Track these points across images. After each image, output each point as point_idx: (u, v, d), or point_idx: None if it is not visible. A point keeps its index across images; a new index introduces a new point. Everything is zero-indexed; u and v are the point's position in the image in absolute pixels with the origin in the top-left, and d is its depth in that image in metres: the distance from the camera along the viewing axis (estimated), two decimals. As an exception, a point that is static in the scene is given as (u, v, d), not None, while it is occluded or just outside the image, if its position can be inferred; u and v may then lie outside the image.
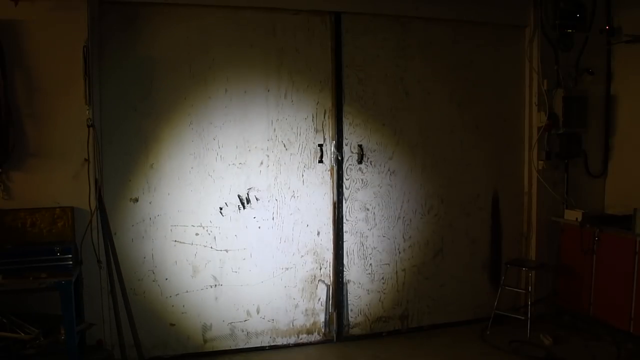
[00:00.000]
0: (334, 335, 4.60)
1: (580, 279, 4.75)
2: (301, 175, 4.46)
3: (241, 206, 4.33)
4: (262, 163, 4.36)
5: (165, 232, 4.17)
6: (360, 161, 4.58)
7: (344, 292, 4.61)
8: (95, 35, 3.86)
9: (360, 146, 4.56)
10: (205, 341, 4.31)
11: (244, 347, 4.40)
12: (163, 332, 4.19)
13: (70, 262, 3.49)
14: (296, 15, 4.37)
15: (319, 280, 4.56)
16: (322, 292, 4.56)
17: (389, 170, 4.68)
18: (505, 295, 4.81)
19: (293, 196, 4.45)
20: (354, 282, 4.64)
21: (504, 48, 5.01)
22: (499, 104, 5.03)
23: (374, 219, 4.66)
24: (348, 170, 4.56)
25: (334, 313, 4.58)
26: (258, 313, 4.42)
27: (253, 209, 4.36)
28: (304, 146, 4.45)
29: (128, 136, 4.07)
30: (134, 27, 4.04)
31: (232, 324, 4.37)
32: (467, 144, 4.91)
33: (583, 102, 4.92)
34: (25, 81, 3.67)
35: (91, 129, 3.73)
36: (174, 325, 4.23)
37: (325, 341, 4.59)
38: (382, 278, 4.72)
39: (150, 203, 4.13)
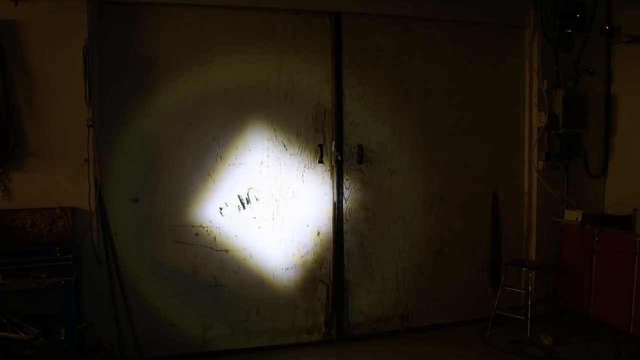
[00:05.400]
0: (334, 336, 4.60)
1: (580, 279, 4.75)
2: (301, 175, 4.46)
3: (241, 206, 4.33)
4: (262, 163, 4.36)
5: (165, 232, 4.17)
6: (360, 161, 4.57)
7: (344, 292, 4.61)
8: (95, 35, 3.87)
9: (360, 146, 4.56)
10: (205, 341, 4.31)
11: (244, 347, 4.40)
12: (163, 332, 4.19)
13: (70, 262, 3.50)
14: (296, 15, 4.37)
15: (319, 281, 4.56)
16: (322, 292, 4.56)
17: (389, 170, 4.68)
18: (505, 296, 4.81)
19: (293, 196, 4.45)
20: (354, 282, 4.64)
21: (504, 48, 5.01)
22: (499, 104, 5.03)
23: (374, 219, 4.66)
24: (348, 170, 4.56)
25: (334, 313, 4.58)
26: (258, 313, 4.42)
27: (253, 209, 4.36)
28: (304, 146, 4.45)
29: (128, 136, 4.06)
30: (134, 27, 4.04)
31: (232, 324, 4.37)
32: (467, 144, 4.91)
33: (583, 102, 4.92)
34: (25, 81, 3.68)
35: (91, 129, 3.73)
36: (174, 325, 4.22)
37: (325, 341, 4.59)
38: (382, 278, 4.72)
39: (150, 203, 4.13)
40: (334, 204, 4.54)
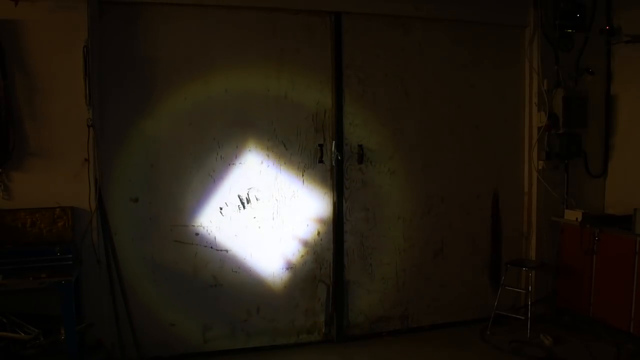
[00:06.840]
0: (334, 336, 4.60)
1: (580, 279, 4.75)
2: (301, 175, 4.47)
3: (241, 206, 4.33)
4: (262, 163, 4.36)
5: (165, 232, 4.17)
6: (360, 161, 4.57)
7: (344, 292, 4.61)
8: (95, 35, 3.86)
9: (360, 146, 4.56)
10: (205, 341, 4.31)
11: (244, 347, 4.40)
12: (163, 332, 4.19)
13: (70, 262, 3.50)
14: (296, 15, 4.38)
15: (319, 280, 4.56)
16: (322, 292, 4.56)
17: (389, 170, 4.68)
18: (505, 295, 4.81)
19: (293, 196, 4.45)
20: (354, 282, 4.64)
21: (504, 48, 5.01)
22: (499, 104, 5.03)
23: (374, 218, 4.66)
24: (348, 170, 4.56)
25: (334, 313, 4.58)
26: (258, 313, 4.42)
27: (253, 208, 4.36)
28: (304, 146, 4.45)
29: (128, 136, 4.07)
30: (134, 27, 4.04)
31: (232, 324, 4.37)
32: (467, 144, 4.91)
33: (583, 102, 4.91)
34: (25, 81, 3.67)
35: (91, 129, 3.73)
36: (174, 325, 4.22)
37: (325, 341, 4.59)
38: (382, 278, 4.72)
39: (150, 203, 4.13)
40: (334, 204, 4.54)
